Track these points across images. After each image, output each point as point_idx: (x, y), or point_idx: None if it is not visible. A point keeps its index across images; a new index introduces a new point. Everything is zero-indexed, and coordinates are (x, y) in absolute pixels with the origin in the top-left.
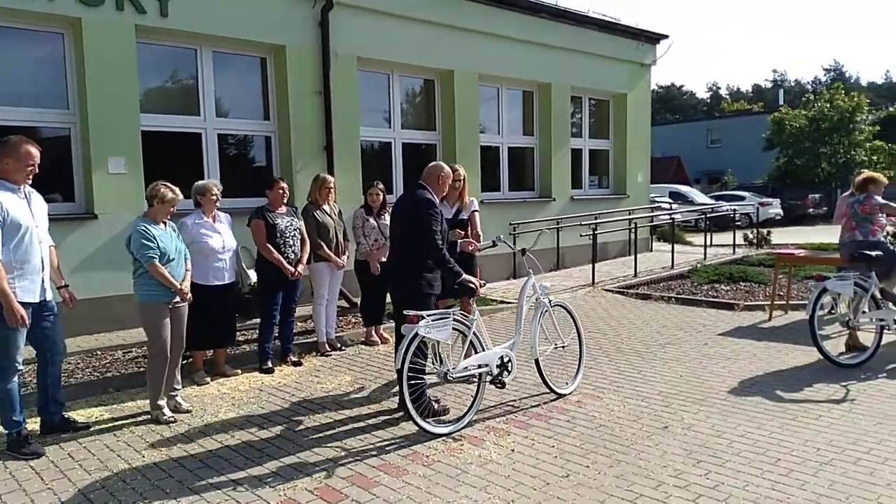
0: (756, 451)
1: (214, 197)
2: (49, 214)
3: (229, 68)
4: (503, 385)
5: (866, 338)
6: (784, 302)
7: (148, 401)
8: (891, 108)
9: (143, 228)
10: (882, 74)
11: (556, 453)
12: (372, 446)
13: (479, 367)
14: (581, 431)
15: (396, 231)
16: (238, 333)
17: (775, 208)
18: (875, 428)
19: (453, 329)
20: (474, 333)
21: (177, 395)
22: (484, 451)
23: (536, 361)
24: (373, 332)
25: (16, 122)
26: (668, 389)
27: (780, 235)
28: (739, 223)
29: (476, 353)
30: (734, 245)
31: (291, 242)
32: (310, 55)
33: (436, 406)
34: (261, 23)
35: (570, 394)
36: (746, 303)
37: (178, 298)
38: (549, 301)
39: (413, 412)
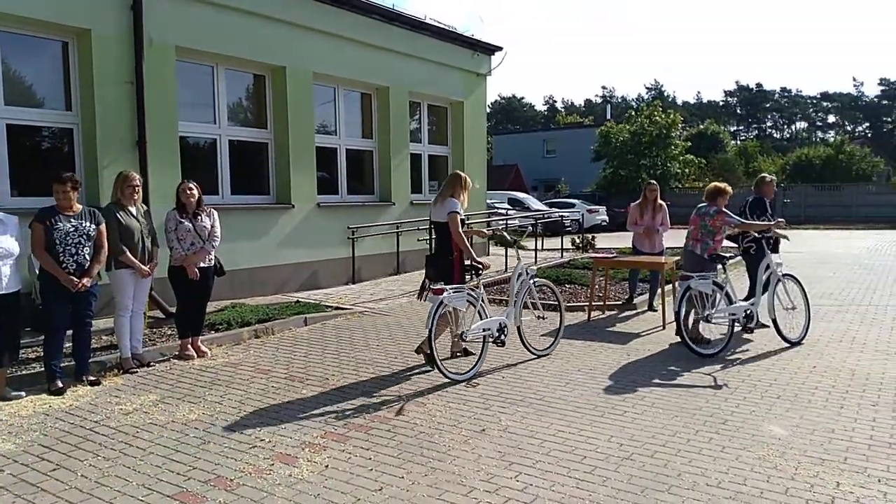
0: (565, 449)
1: None
2: None
3: (22, 52)
4: (503, 344)
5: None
6: (602, 303)
7: None
8: (700, 126)
9: None
10: (694, 95)
11: (372, 466)
12: (171, 473)
13: (484, 330)
14: (400, 440)
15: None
16: (30, 350)
17: (602, 215)
18: (672, 421)
19: (466, 301)
20: (481, 304)
21: None
22: (295, 470)
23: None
24: (188, 345)
25: None
26: (489, 391)
27: (604, 240)
28: (570, 228)
29: (482, 319)
30: (562, 249)
31: (74, 250)
32: (119, 41)
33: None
34: (61, 3)
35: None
36: (568, 304)
37: None
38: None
39: (439, 364)
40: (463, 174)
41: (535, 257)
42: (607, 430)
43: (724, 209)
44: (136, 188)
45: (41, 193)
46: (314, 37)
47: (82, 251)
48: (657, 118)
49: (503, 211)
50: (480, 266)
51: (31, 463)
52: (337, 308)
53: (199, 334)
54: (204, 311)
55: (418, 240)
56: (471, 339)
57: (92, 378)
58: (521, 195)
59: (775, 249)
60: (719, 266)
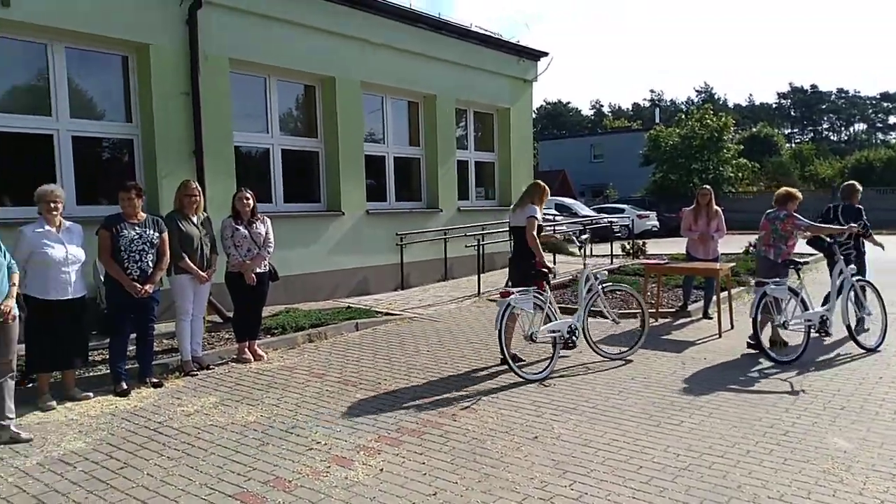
0: (620, 458)
1: (53, 205)
2: None
3: (85, 66)
4: (574, 345)
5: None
6: (654, 310)
7: None
8: (753, 129)
9: None
10: (746, 97)
11: (426, 470)
12: (232, 473)
13: (553, 332)
14: (453, 446)
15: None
16: (96, 353)
17: (652, 220)
18: (730, 432)
19: (534, 303)
20: (549, 306)
21: (9, 425)
22: (351, 473)
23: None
24: (245, 349)
25: None
26: (541, 398)
27: (654, 246)
28: (619, 234)
29: (550, 321)
30: (612, 255)
31: (138, 257)
32: (176, 55)
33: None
34: (121, 19)
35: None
36: (620, 311)
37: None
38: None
39: (511, 364)
40: (542, 183)
41: (584, 263)
42: (663, 440)
43: (793, 213)
44: (195, 197)
45: (104, 202)
46: (362, 47)
47: (146, 258)
48: (708, 121)
49: (550, 217)
50: (549, 270)
51: (100, 461)
52: (387, 314)
53: (255, 338)
54: (260, 315)
55: (466, 246)
56: (539, 340)
57: (155, 380)
58: (568, 201)
59: (860, 258)
60: (793, 271)
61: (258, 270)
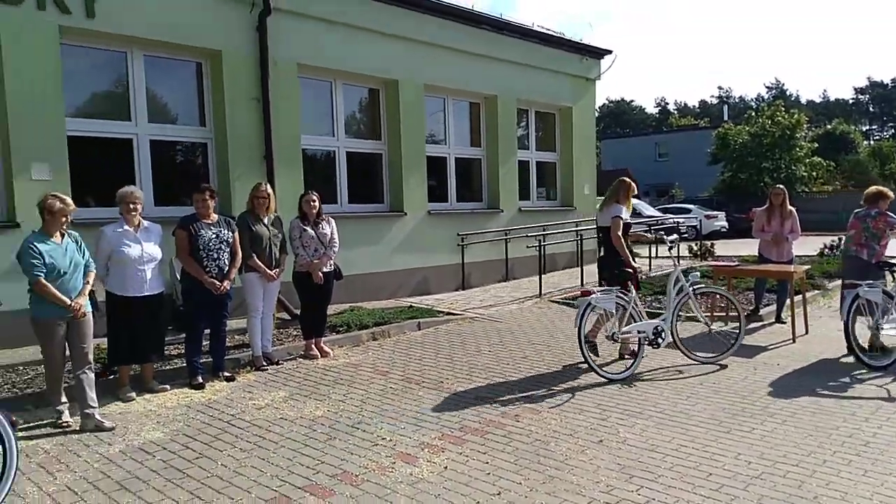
0: (688, 465)
1: (132, 205)
2: None
3: (162, 72)
4: (658, 346)
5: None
6: (724, 314)
7: (79, 418)
8: (828, 126)
9: (30, 245)
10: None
11: (490, 470)
12: (301, 466)
13: (639, 332)
14: (517, 446)
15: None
16: (172, 347)
17: (720, 221)
18: (805, 440)
19: (616, 303)
20: (633, 307)
21: (93, 413)
22: (416, 469)
23: None
24: (312, 346)
25: None
26: (605, 402)
27: (723, 248)
28: (686, 235)
29: (635, 322)
30: (678, 257)
31: (216, 255)
32: (247, 61)
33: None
34: (195, 26)
35: None
36: (689, 314)
37: (70, 314)
38: None
39: (592, 363)
40: (628, 180)
41: (650, 265)
42: (734, 447)
43: (885, 211)
44: (264, 199)
45: (178, 203)
46: (425, 49)
47: (222, 256)
48: (779, 118)
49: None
50: (633, 270)
51: (177, 451)
52: (448, 313)
53: (321, 335)
54: (325, 313)
55: (527, 247)
56: (622, 340)
57: (227, 374)
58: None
59: None
60: (887, 273)
61: (324, 270)
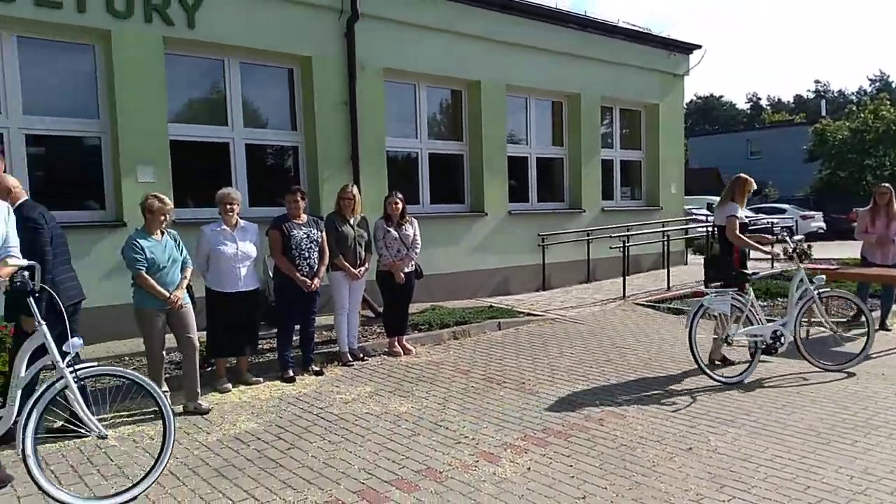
0: (784, 476)
1: (229, 206)
2: (80, 222)
3: (257, 79)
4: (776, 352)
5: None
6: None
7: (181, 407)
8: None
9: (133, 241)
10: None
11: (574, 473)
12: (387, 460)
13: (754, 336)
14: (601, 451)
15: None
16: (264, 342)
17: (817, 221)
18: None
19: (732, 304)
20: (750, 309)
21: (196, 396)
22: (499, 469)
23: None
24: (395, 343)
25: (47, 131)
26: (695, 409)
27: (821, 250)
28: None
29: (752, 325)
30: (773, 259)
31: (307, 254)
32: (336, 66)
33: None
34: (287, 34)
35: None
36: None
37: (168, 306)
38: None
39: (701, 363)
40: (744, 176)
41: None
42: (834, 460)
43: None
44: (350, 200)
45: (271, 204)
46: (508, 49)
47: (313, 255)
48: (884, 113)
49: (702, 217)
50: (746, 273)
51: (270, 441)
52: (529, 314)
53: (403, 333)
54: (407, 312)
55: (611, 247)
56: (735, 343)
57: (316, 368)
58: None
59: None
60: None
61: (406, 270)
